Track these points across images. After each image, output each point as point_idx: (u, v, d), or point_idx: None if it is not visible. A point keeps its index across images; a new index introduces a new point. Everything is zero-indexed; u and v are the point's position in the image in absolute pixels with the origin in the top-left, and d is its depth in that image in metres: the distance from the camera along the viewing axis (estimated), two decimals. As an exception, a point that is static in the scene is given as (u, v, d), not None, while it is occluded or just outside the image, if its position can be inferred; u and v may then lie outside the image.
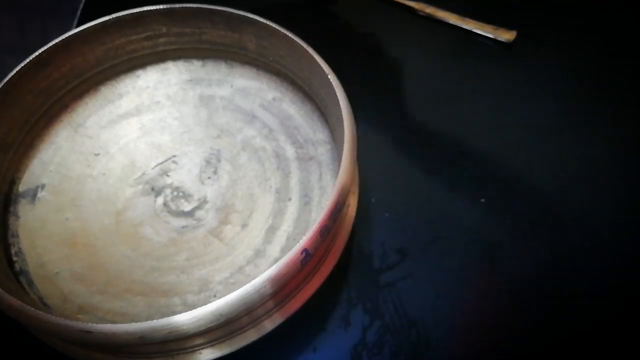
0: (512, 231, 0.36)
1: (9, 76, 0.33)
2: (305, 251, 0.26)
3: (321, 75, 0.33)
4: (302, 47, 0.34)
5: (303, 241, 0.26)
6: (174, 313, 0.24)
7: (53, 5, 0.47)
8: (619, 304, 0.33)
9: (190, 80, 0.41)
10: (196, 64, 0.41)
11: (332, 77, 0.32)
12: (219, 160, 0.38)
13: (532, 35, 0.46)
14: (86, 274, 0.33)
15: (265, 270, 0.25)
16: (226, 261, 0.33)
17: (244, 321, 0.28)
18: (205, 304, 0.24)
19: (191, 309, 0.24)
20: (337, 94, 0.32)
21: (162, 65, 0.41)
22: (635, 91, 0.43)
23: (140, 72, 0.41)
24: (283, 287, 0.26)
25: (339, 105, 0.31)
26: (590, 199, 0.37)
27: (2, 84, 0.33)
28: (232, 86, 0.41)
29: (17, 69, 0.33)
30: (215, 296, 0.32)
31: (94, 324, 0.24)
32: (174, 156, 0.38)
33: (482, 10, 0.48)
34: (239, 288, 0.25)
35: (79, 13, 0.52)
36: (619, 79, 0.44)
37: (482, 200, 0.37)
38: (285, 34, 0.34)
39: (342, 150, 0.30)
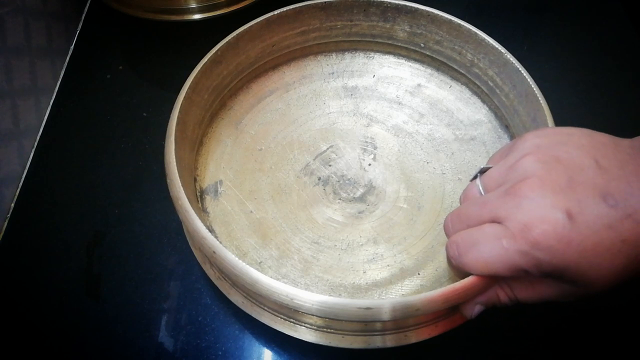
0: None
1: (194, 73, 0.33)
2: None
3: (493, 55, 0.35)
4: (471, 30, 0.35)
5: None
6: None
7: (57, 8, 0.47)
8: None
9: (332, 73, 0.42)
10: (335, 58, 0.42)
11: (509, 56, 0.34)
12: (375, 148, 0.39)
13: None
14: (283, 262, 0.33)
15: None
16: (420, 242, 0.34)
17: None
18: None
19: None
20: (520, 70, 0.33)
21: (305, 61, 0.42)
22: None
23: (285, 69, 0.41)
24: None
25: (526, 81, 0.33)
26: None
27: (190, 81, 0.33)
28: (373, 76, 0.42)
29: (199, 66, 0.34)
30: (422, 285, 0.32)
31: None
32: (331, 147, 0.39)
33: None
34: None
35: (83, 16, 0.52)
36: None
37: None
38: (450, 19, 0.36)
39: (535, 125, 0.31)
